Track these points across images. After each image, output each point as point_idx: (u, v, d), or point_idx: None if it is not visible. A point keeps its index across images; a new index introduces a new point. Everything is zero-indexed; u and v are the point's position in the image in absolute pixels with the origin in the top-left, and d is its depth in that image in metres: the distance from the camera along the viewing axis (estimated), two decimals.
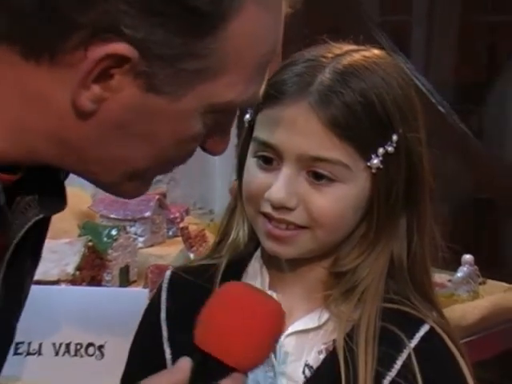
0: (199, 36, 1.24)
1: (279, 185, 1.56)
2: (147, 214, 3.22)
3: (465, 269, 3.14)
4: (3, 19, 1.24)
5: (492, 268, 3.27)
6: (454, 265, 3.10)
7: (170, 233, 3.35)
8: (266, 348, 1.50)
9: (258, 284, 1.65)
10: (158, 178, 4.09)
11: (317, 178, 1.57)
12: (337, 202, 1.57)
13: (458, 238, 4.61)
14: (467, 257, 3.15)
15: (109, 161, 1.34)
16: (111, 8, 1.20)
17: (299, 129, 1.56)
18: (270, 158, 1.59)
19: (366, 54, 1.61)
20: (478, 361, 3.00)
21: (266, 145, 1.59)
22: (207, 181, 4.43)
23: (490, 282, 3.28)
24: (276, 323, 1.51)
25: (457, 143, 4.17)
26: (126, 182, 1.37)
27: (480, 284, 3.22)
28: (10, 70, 1.27)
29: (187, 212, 3.55)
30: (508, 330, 3.18)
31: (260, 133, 1.60)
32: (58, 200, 1.45)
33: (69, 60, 1.23)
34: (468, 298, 3.10)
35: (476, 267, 3.17)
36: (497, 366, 3.36)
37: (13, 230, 1.37)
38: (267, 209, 1.58)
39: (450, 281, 3.14)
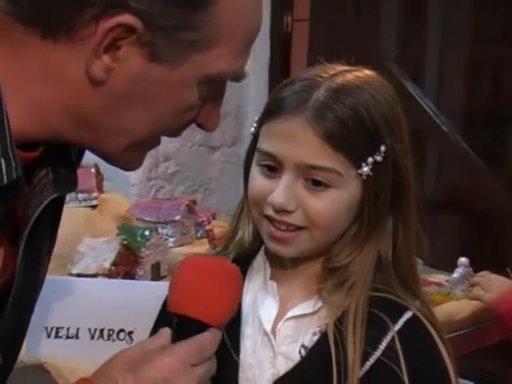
0: (194, 8, 1.26)
1: (280, 190, 1.57)
2: (177, 217, 3.22)
3: (460, 270, 3.15)
4: (26, 5, 1.25)
5: (486, 268, 3.17)
6: (452, 266, 3.18)
7: (198, 234, 3.35)
8: (231, 302, 1.51)
9: (261, 276, 1.68)
10: (194, 187, 4.13)
11: (313, 184, 1.58)
12: (331, 205, 1.58)
13: (455, 243, 4.55)
14: (463, 260, 3.17)
15: (115, 130, 1.35)
16: None
17: (297, 140, 1.57)
18: (272, 167, 1.60)
19: (358, 74, 1.62)
20: (473, 351, 3.07)
21: (268, 155, 1.60)
22: (237, 190, 4.27)
23: None
24: (236, 281, 1.52)
25: (467, 167, 4.15)
26: (127, 153, 1.38)
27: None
28: (31, 52, 1.28)
29: (214, 216, 3.53)
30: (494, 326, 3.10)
31: (263, 144, 1.61)
32: (70, 182, 1.45)
33: (82, 35, 1.24)
34: (463, 296, 3.09)
35: (470, 269, 3.16)
36: (493, 356, 3.35)
37: (31, 207, 1.37)
38: (269, 212, 1.59)
39: (447, 281, 3.15)
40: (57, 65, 1.28)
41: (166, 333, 1.44)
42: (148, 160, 4.04)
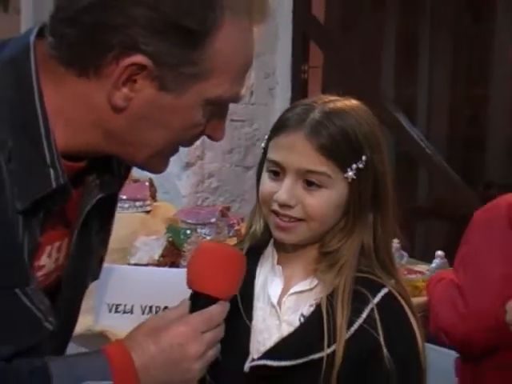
0: (192, 48, 1.26)
1: (283, 190, 1.58)
2: (212, 220, 3.18)
3: (437, 261, 3.12)
4: (65, 50, 1.27)
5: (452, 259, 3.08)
6: (431, 258, 3.16)
7: (230, 234, 3.28)
8: (236, 280, 1.50)
9: (269, 262, 1.67)
10: (232, 198, 4.12)
11: (309, 185, 1.58)
12: (323, 201, 1.59)
13: (435, 240, 4.45)
14: (439, 253, 3.15)
15: (138, 144, 1.34)
16: (131, 32, 1.23)
17: (297, 151, 1.58)
18: (278, 172, 1.60)
19: (346, 102, 1.63)
20: None
21: (274, 162, 1.60)
22: None
23: None
24: (239, 263, 1.52)
25: (448, 183, 4.07)
26: (152, 160, 1.37)
27: None
28: (69, 86, 1.29)
29: (243, 220, 3.40)
30: None
31: (271, 155, 1.61)
32: (112, 185, 1.44)
33: (106, 72, 1.25)
34: None
35: (445, 260, 3.12)
36: None
37: (82, 205, 1.37)
38: (275, 207, 1.59)
39: (427, 270, 3.12)
40: (88, 95, 1.28)
41: (185, 303, 1.42)
42: (196, 177, 4.02)
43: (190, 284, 1.45)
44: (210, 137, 1.38)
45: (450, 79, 4.89)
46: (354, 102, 1.64)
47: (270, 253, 1.68)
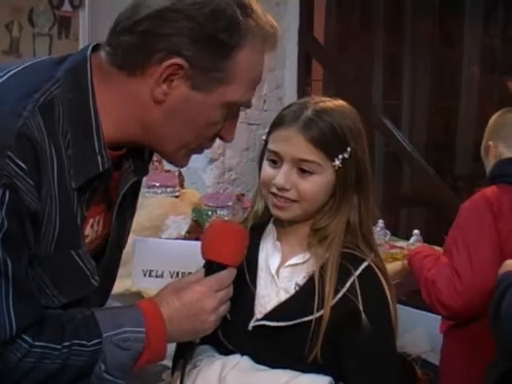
0: (221, 57, 1.28)
1: (280, 176, 1.55)
2: (229, 203, 3.15)
3: (414, 238, 3.06)
4: (119, 55, 1.28)
5: (433, 239, 3.13)
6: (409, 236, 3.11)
7: (244, 215, 2.96)
8: (241, 251, 1.49)
9: (270, 238, 1.64)
10: (248, 188, 4.07)
11: (302, 171, 1.55)
12: (315, 186, 1.56)
13: (413, 222, 4.42)
14: (415, 231, 3.08)
15: (169, 136, 1.34)
16: (177, 40, 1.24)
17: (292, 143, 1.55)
18: (276, 160, 1.57)
19: (333, 102, 1.59)
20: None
21: (273, 152, 1.57)
22: None
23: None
24: (244, 237, 1.50)
25: (426, 177, 4.03)
26: (178, 152, 1.37)
27: None
28: (120, 85, 1.30)
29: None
30: None
31: (270, 146, 1.58)
32: (143, 171, 1.45)
33: (150, 71, 1.26)
34: None
35: (421, 237, 3.08)
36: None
37: (120, 186, 1.39)
38: (274, 190, 1.56)
39: (406, 245, 3.04)
40: (134, 91, 1.29)
41: (201, 271, 1.44)
42: (218, 170, 3.96)
43: (203, 254, 1.46)
44: (222, 138, 1.38)
45: (428, 93, 4.86)
46: (340, 102, 1.61)
47: (270, 229, 1.65)
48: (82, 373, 1.29)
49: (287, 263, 1.60)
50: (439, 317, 2.80)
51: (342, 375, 1.55)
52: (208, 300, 1.40)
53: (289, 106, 1.61)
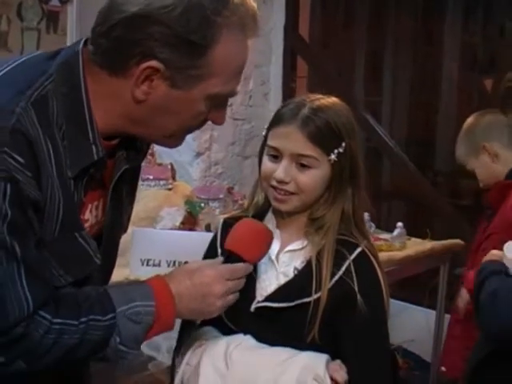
0: (196, 56, 1.31)
1: (280, 170, 1.59)
2: (221, 196, 3.22)
3: (398, 230, 3.15)
4: (100, 56, 1.32)
5: (414, 231, 3.28)
6: (393, 228, 3.18)
7: (234, 207, 3.30)
8: (263, 249, 1.56)
9: (270, 225, 1.66)
10: (233, 182, 4.06)
11: (301, 165, 1.59)
12: (312, 179, 1.60)
13: (396, 215, 4.52)
14: (399, 224, 3.17)
15: (155, 127, 1.38)
16: (149, 44, 1.28)
17: (291, 139, 1.58)
18: (276, 155, 1.61)
19: (328, 100, 1.63)
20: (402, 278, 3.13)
21: (273, 148, 1.61)
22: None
23: (412, 239, 3.28)
24: (267, 236, 1.56)
25: (406, 171, 4.16)
26: (167, 139, 1.42)
27: (407, 240, 3.23)
28: (103, 83, 1.34)
29: (244, 197, 3.38)
30: (419, 262, 3.17)
31: (270, 142, 1.61)
32: (136, 159, 1.50)
33: (129, 73, 1.31)
34: (400, 247, 3.12)
35: (404, 230, 3.17)
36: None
37: (114, 174, 1.43)
38: (274, 183, 1.60)
39: (390, 237, 3.15)
40: (117, 90, 1.34)
41: (219, 259, 1.51)
42: (204, 164, 4.02)
43: (228, 245, 1.52)
44: (213, 122, 1.42)
45: (408, 89, 4.91)
46: (334, 99, 1.65)
47: (270, 218, 1.69)
48: (98, 346, 1.37)
49: (286, 249, 1.64)
50: (420, 308, 2.95)
51: (338, 355, 1.59)
52: (217, 285, 1.45)
53: (286, 105, 1.64)
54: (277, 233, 1.65)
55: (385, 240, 3.11)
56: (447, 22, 4.71)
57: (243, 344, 1.60)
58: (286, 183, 1.59)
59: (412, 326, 3.55)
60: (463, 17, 4.71)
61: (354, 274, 1.57)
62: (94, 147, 1.34)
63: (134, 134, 1.42)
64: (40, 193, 1.28)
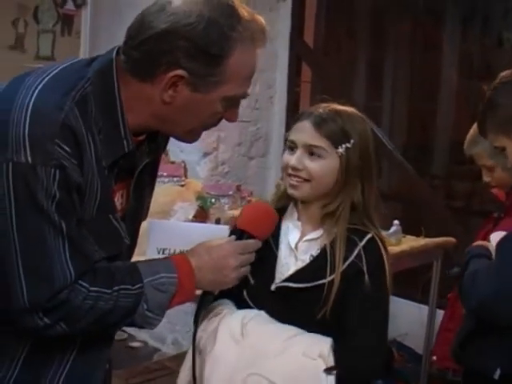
0: (215, 65, 1.44)
1: (294, 158, 1.74)
2: (230, 192, 3.38)
3: (394, 228, 3.24)
4: (131, 65, 1.46)
5: (410, 230, 3.40)
6: (390, 226, 3.24)
7: (242, 203, 3.37)
8: (270, 228, 1.69)
9: (291, 218, 1.80)
10: (239, 181, 4.24)
11: (312, 155, 1.73)
12: (321, 167, 1.73)
13: (394, 214, 4.57)
14: (395, 221, 3.25)
15: (178, 125, 1.52)
16: (175, 55, 1.41)
17: (304, 132, 1.74)
18: (292, 147, 1.76)
19: (346, 108, 1.78)
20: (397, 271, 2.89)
21: (291, 141, 1.77)
22: (263, 183, 4.42)
23: (408, 236, 3.35)
24: (274, 217, 1.71)
25: (405, 174, 4.22)
26: (187, 134, 1.55)
27: (403, 237, 3.30)
28: (134, 88, 1.47)
29: (251, 194, 3.60)
30: (413, 257, 3.24)
31: (289, 137, 1.78)
32: (155, 153, 1.64)
33: (158, 80, 1.44)
34: (396, 243, 3.19)
35: (400, 227, 3.25)
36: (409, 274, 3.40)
37: (137, 164, 1.56)
38: (290, 171, 1.75)
39: (387, 234, 3.08)
40: (147, 94, 1.47)
41: (233, 237, 1.65)
42: (211, 164, 4.13)
43: (239, 224, 1.67)
44: (228, 120, 1.56)
45: (408, 95, 5.01)
46: (352, 109, 1.80)
47: (291, 210, 1.83)
48: (128, 311, 1.51)
49: (304, 238, 1.77)
50: (416, 304, 3.08)
51: (342, 329, 1.70)
52: (231, 258, 1.59)
53: (306, 110, 1.80)
54: (298, 224, 1.80)
55: None
56: (446, 31, 4.89)
57: (258, 317, 1.74)
58: (299, 170, 1.73)
59: (407, 320, 3.64)
60: (462, 26, 4.83)
61: (363, 257, 1.70)
62: (125, 142, 1.48)
63: (159, 130, 1.55)
64: (82, 178, 1.41)
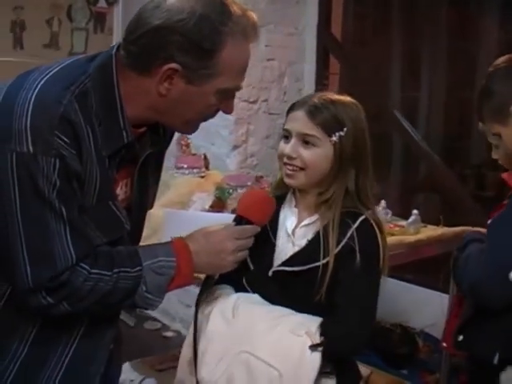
0: (207, 59, 1.51)
1: (288, 147, 1.78)
2: (249, 183, 3.39)
3: (413, 217, 3.26)
4: (130, 59, 1.53)
5: (429, 219, 3.41)
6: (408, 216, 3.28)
7: None
8: (267, 214, 1.75)
9: (289, 205, 1.85)
10: (267, 173, 4.13)
11: (306, 143, 1.77)
12: (315, 155, 1.76)
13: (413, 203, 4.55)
14: (414, 211, 3.27)
15: (175, 116, 1.59)
16: (170, 50, 1.49)
17: (298, 121, 1.77)
18: (287, 136, 1.80)
19: (340, 96, 1.82)
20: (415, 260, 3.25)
21: (286, 130, 1.81)
22: None
23: (428, 226, 3.35)
24: (272, 204, 1.77)
25: (432, 166, 4.27)
26: (185, 125, 1.62)
27: (424, 226, 3.31)
28: (133, 81, 1.54)
29: (271, 185, 2.98)
30: (431, 246, 3.23)
31: (284, 125, 1.82)
32: (158, 144, 1.70)
33: (154, 72, 1.52)
34: (414, 232, 3.22)
35: (419, 217, 3.26)
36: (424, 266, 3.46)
37: (139, 155, 1.64)
38: (285, 160, 1.79)
39: (406, 224, 3.24)
40: (144, 87, 1.55)
41: (232, 223, 1.72)
42: (240, 157, 4.18)
43: (239, 211, 1.74)
44: (224, 111, 1.63)
45: (445, 85, 5.00)
46: (347, 97, 1.83)
47: (289, 198, 1.88)
48: (128, 293, 1.58)
49: (301, 224, 1.82)
50: (442, 294, 3.08)
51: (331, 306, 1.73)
52: (228, 243, 1.65)
53: (301, 99, 1.85)
54: (295, 211, 1.85)
55: (401, 226, 3.25)
56: (483, 19, 4.82)
57: (251, 299, 1.80)
58: (294, 158, 1.78)
59: (433, 311, 3.56)
60: (500, 13, 4.79)
61: (356, 238, 1.74)
62: (124, 133, 1.54)
63: (157, 121, 1.61)
64: (81, 167, 1.49)
